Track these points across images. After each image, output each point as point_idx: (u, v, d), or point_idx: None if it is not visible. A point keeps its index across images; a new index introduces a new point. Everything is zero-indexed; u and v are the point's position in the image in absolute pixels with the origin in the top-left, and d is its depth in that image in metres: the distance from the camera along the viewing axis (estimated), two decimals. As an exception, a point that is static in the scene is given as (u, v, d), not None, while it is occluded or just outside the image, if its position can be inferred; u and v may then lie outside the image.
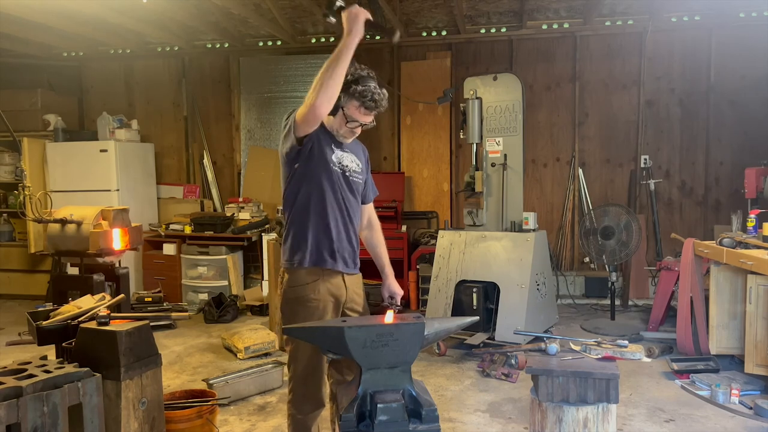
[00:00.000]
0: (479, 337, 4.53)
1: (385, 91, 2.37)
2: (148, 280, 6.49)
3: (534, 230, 4.80)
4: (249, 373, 3.94)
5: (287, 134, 2.33)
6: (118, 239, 4.22)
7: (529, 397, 2.66)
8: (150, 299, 5.28)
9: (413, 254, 6.03)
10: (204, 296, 6.16)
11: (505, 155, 4.91)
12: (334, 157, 2.39)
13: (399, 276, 4.12)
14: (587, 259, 6.21)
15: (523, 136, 4.93)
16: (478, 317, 2.60)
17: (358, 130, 2.43)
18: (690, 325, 4.41)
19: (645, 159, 6.14)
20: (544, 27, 6.40)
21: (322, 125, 2.36)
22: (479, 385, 4.01)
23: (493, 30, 6.53)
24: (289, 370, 2.44)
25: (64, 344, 2.56)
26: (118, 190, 6.44)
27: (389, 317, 1.98)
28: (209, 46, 7.18)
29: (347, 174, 2.44)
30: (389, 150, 6.92)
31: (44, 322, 2.74)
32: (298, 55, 6.97)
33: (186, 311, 3.96)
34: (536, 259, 4.66)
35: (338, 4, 2.22)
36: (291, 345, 2.42)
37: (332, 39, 2.20)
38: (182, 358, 4.66)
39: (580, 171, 6.46)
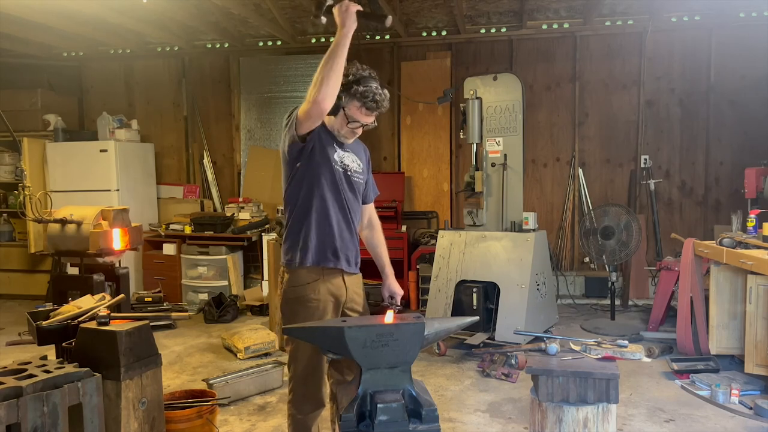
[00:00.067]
0: (479, 337, 4.53)
1: (386, 91, 2.37)
2: (148, 280, 6.50)
3: (534, 230, 4.80)
4: (249, 373, 3.94)
5: (289, 132, 2.33)
6: (118, 239, 4.22)
7: (529, 397, 2.66)
8: (150, 299, 5.28)
9: (413, 254, 6.03)
10: (204, 296, 6.16)
11: (505, 155, 4.91)
12: (336, 156, 2.39)
13: (399, 276, 4.12)
14: (587, 259, 6.21)
15: (523, 136, 4.93)
16: (478, 317, 2.60)
17: (359, 131, 2.43)
18: (690, 325, 4.41)
19: (645, 159, 6.14)
20: (544, 27, 6.40)
21: (323, 125, 2.36)
22: (479, 385, 4.01)
23: (493, 30, 6.53)
24: (289, 370, 2.44)
25: (64, 344, 2.56)
26: (118, 190, 6.44)
27: (389, 317, 1.98)
28: (209, 46, 7.18)
29: (349, 173, 2.44)
30: (389, 150, 6.92)
31: (44, 322, 2.74)
32: (298, 55, 6.97)
33: (186, 311, 3.96)
34: (536, 259, 4.66)
35: (328, 2, 2.22)
36: (291, 345, 2.42)
37: (332, 39, 2.18)
38: (182, 358, 4.66)
39: (580, 171, 6.46)
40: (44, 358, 2.27)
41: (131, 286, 5.31)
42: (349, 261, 2.47)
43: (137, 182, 6.79)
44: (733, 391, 3.59)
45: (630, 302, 6.11)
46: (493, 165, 4.98)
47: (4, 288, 7.04)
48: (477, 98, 4.94)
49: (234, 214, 6.48)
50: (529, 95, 6.37)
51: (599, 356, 3.52)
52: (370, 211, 2.69)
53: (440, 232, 5.08)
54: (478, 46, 6.66)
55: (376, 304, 3.86)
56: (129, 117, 7.11)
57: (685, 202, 6.31)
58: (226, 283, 6.26)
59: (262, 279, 6.06)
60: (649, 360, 4.39)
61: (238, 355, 4.58)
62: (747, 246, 4.00)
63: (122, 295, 3.27)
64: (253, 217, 6.44)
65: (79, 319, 2.70)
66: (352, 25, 2.16)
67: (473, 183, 4.97)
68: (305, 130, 2.28)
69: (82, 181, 6.41)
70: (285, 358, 2.51)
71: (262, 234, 6.15)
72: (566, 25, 6.36)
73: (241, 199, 6.75)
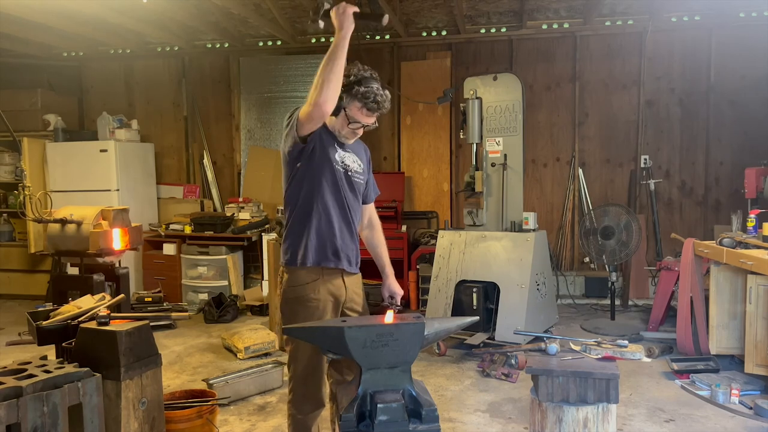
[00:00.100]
0: (479, 337, 4.53)
1: (387, 92, 2.37)
2: (148, 280, 6.49)
3: (534, 230, 4.80)
4: (249, 373, 3.94)
5: (289, 133, 2.33)
6: (118, 239, 4.22)
7: (529, 397, 2.66)
8: (150, 299, 5.28)
9: (413, 254, 6.03)
10: (204, 296, 6.16)
11: (505, 155, 4.91)
12: (337, 156, 2.39)
13: (399, 276, 4.11)
14: (587, 259, 6.21)
15: (523, 136, 4.93)
16: (478, 317, 2.60)
17: (360, 131, 2.43)
18: (690, 325, 4.41)
19: (645, 159, 6.14)
20: (544, 27, 6.40)
21: (324, 125, 2.37)
22: (479, 385, 4.01)
23: (493, 30, 6.53)
24: (289, 370, 2.44)
25: (64, 344, 2.56)
26: (118, 190, 6.44)
27: (389, 317, 1.98)
28: (209, 46, 7.18)
29: (350, 174, 2.44)
30: (389, 150, 6.92)
31: (44, 322, 2.74)
32: (298, 55, 6.97)
33: (186, 311, 3.96)
34: (536, 259, 4.66)
35: (326, 7, 2.23)
36: (291, 345, 2.42)
37: (332, 39, 2.18)
38: (182, 358, 4.66)
39: (580, 171, 6.46)
40: (44, 358, 2.27)
41: (131, 286, 5.31)
42: (350, 261, 2.47)
43: (137, 182, 6.79)
44: (733, 391, 3.59)
45: (630, 302, 6.11)
46: (493, 165, 4.98)
47: (4, 288, 7.04)
48: (477, 98, 4.95)
49: (234, 214, 6.48)
50: (529, 95, 6.37)
51: (599, 356, 3.52)
52: (371, 210, 2.69)
53: (440, 232, 5.08)
54: (478, 46, 6.66)
55: (376, 304, 3.87)
56: (129, 117, 7.11)
57: (685, 202, 6.31)
58: (226, 283, 6.26)
59: (262, 279, 6.06)
60: (649, 360, 4.39)
61: (238, 355, 4.58)
62: (747, 246, 4.00)
63: (122, 295, 3.27)
64: (253, 217, 6.44)
65: (79, 319, 2.70)
66: (350, 27, 2.16)
67: (473, 183, 4.97)
68: (306, 132, 2.28)
69: (82, 181, 6.41)
70: (285, 358, 2.52)
71: (262, 234, 6.15)
72: (566, 25, 6.36)
73: (241, 199, 6.75)
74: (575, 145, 6.47)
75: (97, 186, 6.40)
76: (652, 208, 6.04)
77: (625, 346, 3.67)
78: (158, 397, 2.56)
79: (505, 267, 4.65)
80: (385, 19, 2.30)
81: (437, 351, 4.61)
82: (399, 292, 2.62)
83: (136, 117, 7.19)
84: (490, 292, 4.71)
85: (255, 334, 4.72)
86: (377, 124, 2.45)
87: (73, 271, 4.71)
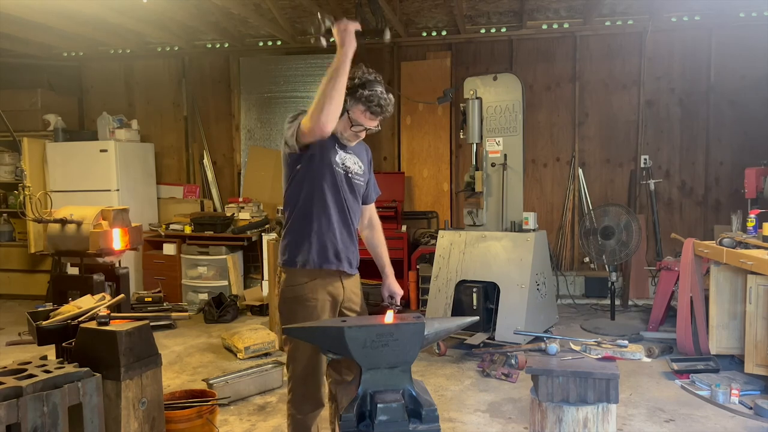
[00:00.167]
0: (479, 337, 4.53)
1: (391, 96, 2.37)
2: (148, 280, 6.49)
3: (534, 230, 4.80)
4: (249, 373, 3.94)
5: (291, 138, 2.33)
6: (118, 239, 4.22)
7: (529, 397, 2.66)
8: (150, 299, 5.28)
9: (413, 254, 6.03)
10: (204, 296, 6.16)
11: (505, 155, 4.91)
12: (337, 158, 2.39)
13: (399, 276, 4.11)
14: (587, 259, 6.21)
15: (523, 136, 4.93)
16: (478, 317, 2.60)
17: (363, 134, 2.43)
18: (690, 325, 4.41)
19: (645, 159, 6.14)
20: (544, 27, 6.40)
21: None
22: (479, 385, 4.01)
23: (493, 30, 6.53)
24: (288, 370, 2.44)
25: (64, 344, 2.56)
26: (118, 190, 6.44)
27: (389, 317, 1.98)
28: (209, 46, 7.18)
29: (350, 175, 2.44)
30: (389, 150, 6.92)
31: (44, 322, 2.74)
32: (298, 55, 6.96)
33: (186, 311, 3.97)
34: (536, 259, 4.66)
35: (327, 25, 2.24)
36: (290, 345, 2.42)
37: (332, 39, 2.18)
38: (182, 358, 4.66)
39: (580, 171, 6.46)
40: (44, 358, 2.27)
41: (131, 286, 5.31)
42: (351, 263, 2.47)
43: (137, 182, 6.79)
44: (733, 391, 3.59)
45: (630, 302, 6.11)
46: (493, 165, 4.98)
47: (4, 288, 7.04)
48: (477, 98, 4.95)
49: (234, 214, 6.48)
50: (529, 95, 6.37)
51: (599, 356, 3.52)
52: (371, 211, 2.69)
53: (440, 232, 5.08)
54: (478, 46, 6.66)
55: (376, 304, 3.87)
56: (129, 117, 7.11)
57: (685, 202, 6.31)
58: (226, 283, 6.26)
59: (262, 279, 6.06)
60: (649, 360, 4.39)
61: (238, 355, 4.58)
62: (747, 246, 4.00)
63: (122, 295, 3.27)
64: (253, 217, 6.44)
65: (79, 319, 2.70)
66: (352, 44, 2.16)
67: (473, 183, 4.97)
68: (306, 142, 2.29)
69: (82, 181, 6.41)
70: (285, 358, 2.51)
71: (262, 234, 6.15)
72: (566, 25, 6.36)
73: (241, 199, 6.75)
74: (575, 145, 6.47)
75: (97, 186, 6.40)
76: (652, 208, 6.04)
77: (625, 346, 3.67)
78: (158, 397, 2.56)
79: (505, 267, 4.65)
80: (387, 35, 2.32)
81: (437, 351, 4.61)
82: (399, 292, 2.62)
83: (136, 117, 7.19)
84: (490, 292, 4.71)
85: (255, 334, 4.72)
86: (380, 128, 2.45)
87: (73, 271, 4.71)
